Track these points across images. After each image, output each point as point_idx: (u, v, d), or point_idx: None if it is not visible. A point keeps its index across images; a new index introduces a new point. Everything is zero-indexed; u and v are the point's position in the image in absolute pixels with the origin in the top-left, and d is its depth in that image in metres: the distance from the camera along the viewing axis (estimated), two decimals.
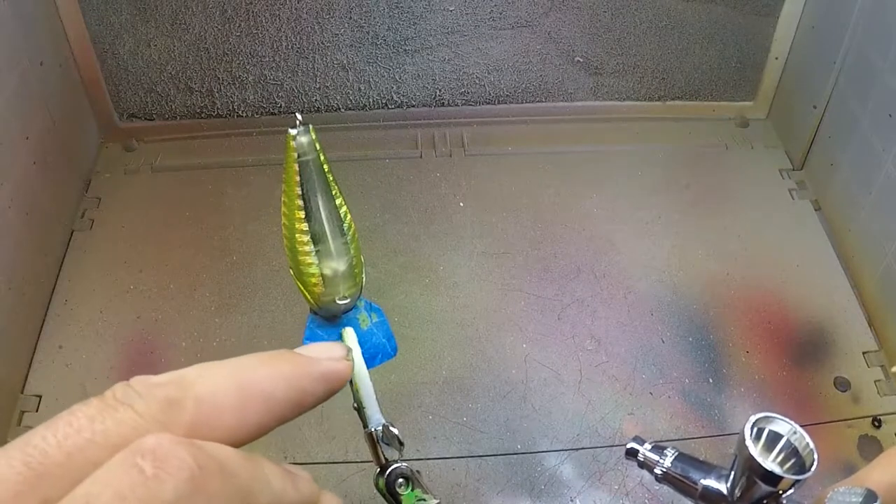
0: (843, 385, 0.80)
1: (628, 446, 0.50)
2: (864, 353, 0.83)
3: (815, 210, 0.97)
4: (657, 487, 0.68)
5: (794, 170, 1.03)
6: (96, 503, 0.17)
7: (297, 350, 0.26)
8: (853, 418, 0.77)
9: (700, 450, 0.74)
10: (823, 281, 0.89)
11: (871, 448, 0.75)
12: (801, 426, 0.40)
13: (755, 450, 0.39)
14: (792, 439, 0.40)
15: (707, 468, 0.46)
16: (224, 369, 0.23)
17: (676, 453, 0.48)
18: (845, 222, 0.93)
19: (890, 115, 0.82)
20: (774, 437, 0.40)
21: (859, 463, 0.74)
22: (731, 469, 0.43)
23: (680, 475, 0.47)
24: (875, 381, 0.80)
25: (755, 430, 0.40)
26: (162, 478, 0.18)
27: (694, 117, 1.09)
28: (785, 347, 0.83)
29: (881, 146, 0.84)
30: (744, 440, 0.40)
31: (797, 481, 0.39)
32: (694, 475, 0.47)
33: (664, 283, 0.88)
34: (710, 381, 0.80)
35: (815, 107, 0.97)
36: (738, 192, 0.99)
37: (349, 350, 0.26)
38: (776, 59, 1.04)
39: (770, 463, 0.39)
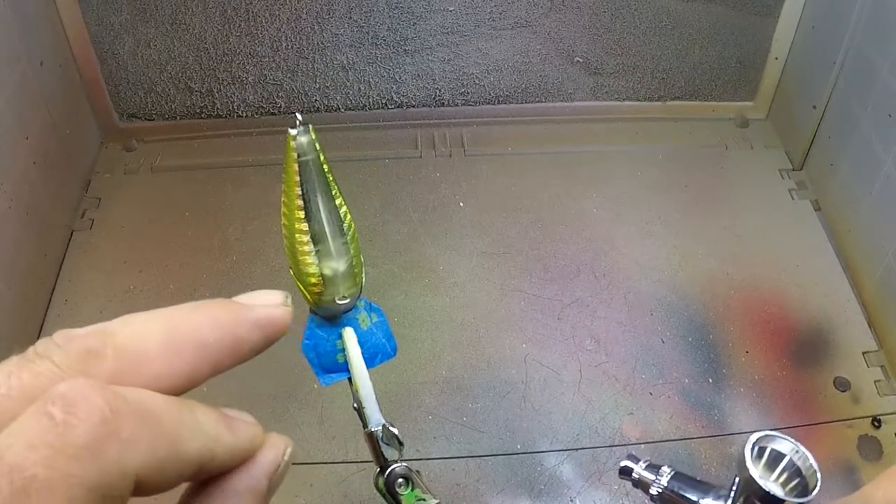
0: (842, 385, 0.80)
1: (622, 464, 0.48)
2: (864, 353, 0.82)
3: (815, 210, 0.97)
4: None
5: (794, 170, 1.03)
6: (7, 454, 0.17)
7: (235, 298, 0.25)
8: (853, 418, 0.77)
9: (700, 450, 0.74)
10: (823, 281, 0.89)
11: (871, 448, 0.75)
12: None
13: (755, 471, 0.38)
14: (794, 459, 0.38)
15: (705, 488, 0.45)
16: (152, 316, 0.22)
17: (673, 472, 0.46)
18: (845, 222, 0.93)
19: (890, 115, 0.82)
20: (777, 457, 0.39)
21: (859, 463, 0.74)
22: (731, 489, 0.42)
23: (677, 495, 0.46)
24: (875, 381, 0.80)
25: (756, 449, 0.39)
26: (72, 423, 0.18)
27: (694, 117, 1.09)
28: (785, 347, 0.83)
29: (881, 146, 0.84)
30: (744, 460, 0.38)
31: None
32: (692, 495, 0.44)
33: (664, 283, 0.88)
34: (710, 381, 0.80)
35: (814, 107, 0.97)
36: (738, 192, 0.99)
37: (287, 296, 0.25)
38: (776, 59, 1.04)
39: (771, 484, 0.38)
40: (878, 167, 0.85)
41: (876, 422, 0.77)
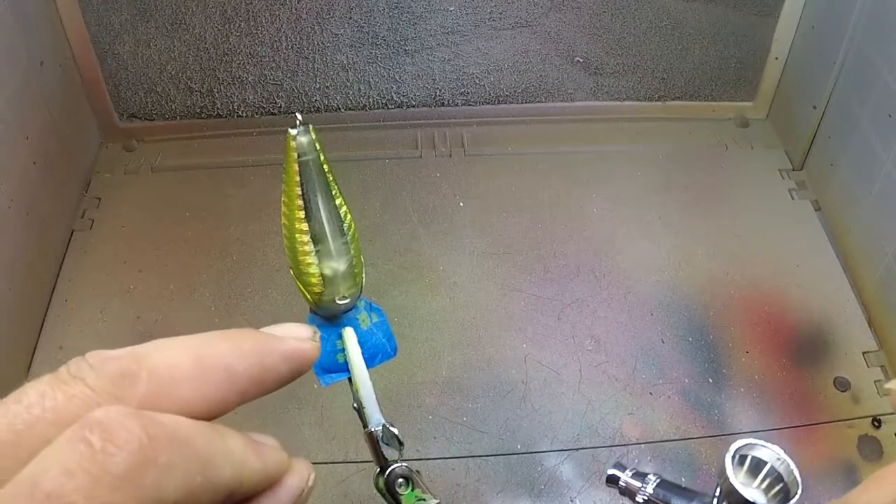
0: (842, 385, 0.80)
1: (609, 473, 0.49)
2: (864, 353, 0.82)
3: (815, 210, 0.97)
4: None
5: (794, 170, 1.03)
6: (44, 480, 0.17)
7: (264, 329, 0.25)
8: (853, 418, 0.77)
9: (700, 450, 0.74)
10: (823, 281, 0.89)
11: (870, 448, 0.75)
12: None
13: (735, 479, 0.39)
14: (776, 466, 0.39)
15: (690, 495, 0.46)
16: (183, 342, 0.22)
17: (659, 480, 0.47)
18: (845, 222, 0.93)
19: (890, 115, 0.82)
20: (758, 464, 0.40)
21: (859, 463, 0.74)
22: (714, 496, 0.43)
23: (662, 502, 0.46)
24: (875, 381, 0.80)
25: (737, 456, 0.39)
26: (110, 450, 0.17)
27: (694, 117, 1.09)
28: (785, 347, 0.83)
29: (881, 146, 0.84)
30: (724, 468, 0.39)
31: None
32: (677, 502, 0.46)
33: (664, 283, 0.88)
34: (710, 381, 0.80)
35: (814, 107, 0.97)
36: (738, 192, 0.99)
37: (315, 332, 0.26)
38: (776, 59, 1.04)
39: (752, 491, 0.39)
40: (878, 167, 0.85)
41: (876, 422, 0.77)
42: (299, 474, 0.23)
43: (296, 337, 0.25)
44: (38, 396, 0.19)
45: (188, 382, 0.21)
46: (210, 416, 0.22)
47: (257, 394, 0.23)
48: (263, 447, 0.22)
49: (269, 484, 0.22)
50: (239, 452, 0.21)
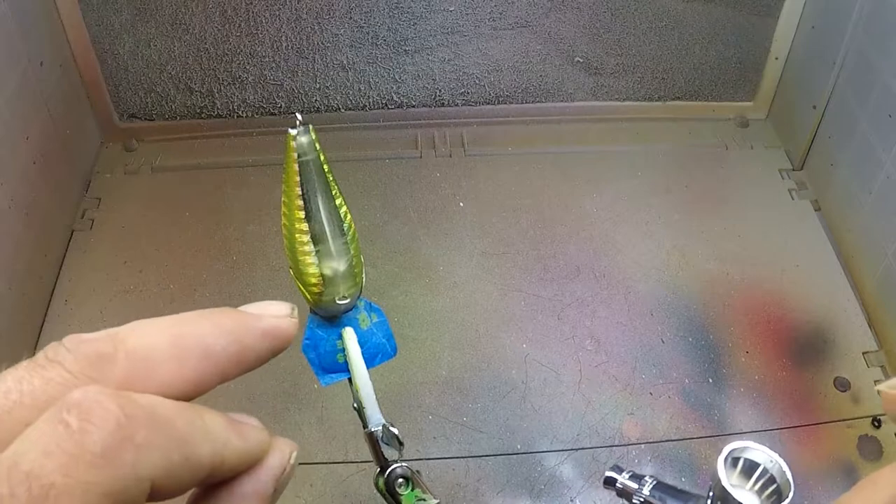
0: (842, 385, 0.80)
1: (606, 474, 0.50)
2: (864, 353, 0.83)
3: (815, 210, 0.97)
4: None
5: (794, 170, 1.03)
6: (23, 462, 0.17)
7: (242, 307, 0.25)
8: (853, 418, 0.77)
9: (700, 450, 0.74)
10: (823, 281, 0.89)
11: (871, 448, 0.75)
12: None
13: (727, 481, 0.39)
14: (769, 468, 0.40)
15: (685, 497, 0.46)
16: (160, 323, 0.22)
17: (655, 482, 0.48)
18: (845, 222, 0.93)
19: (890, 115, 0.82)
20: (751, 466, 0.40)
21: (859, 463, 0.74)
22: (707, 498, 0.43)
23: None
24: (875, 381, 0.80)
25: (730, 459, 0.40)
26: (88, 430, 0.18)
27: (694, 117, 1.09)
28: (785, 347, 0.83)
29: (881, 146, 0.84)
30: (717, 471, 0.40)
31: None
32: None
33: (664, 283, 0.88)
34: (710, 381, 0.80)
35: (814, 107, 0.97)
36: (738, 192, 0.99)
37: (294, 308, 0.26)
38: (776, 59, 1.04)
39: (744, 493, 0.39)
40: (878, 167, 0.85)
41: (876, 422, 0.77)
42: (280, 453, 0.23)
43: (274, 314, 0.24)
44: (15, 382, 0.20)
45: (166, 363, 0.21)
46: (189, 395, 0.22)
47: (237, 372, 0.23)
48: (244, 426, 0.22)
49: (251, 463, 0.22)
50: (218, 432, 0.21)
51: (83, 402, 0.18)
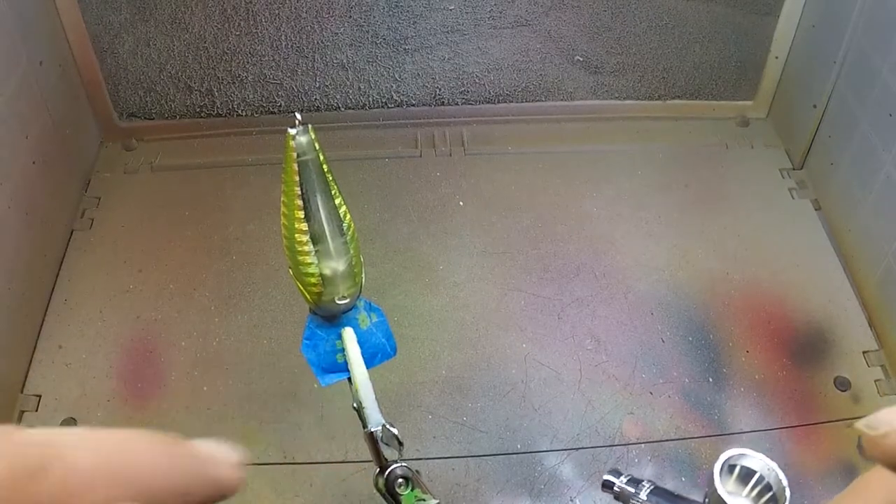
0: (843, 385, 0.80)
1: (604, 478, 0.50)
2: (864, 352, 0.82)
3: (815, 210, 0.97)
4: None
5: (794, 169, 1.02)
6: None
7: (195, 442, 0.23)
8: (853, 418, 0.77)
9: (700, 450, 0.74)
10: (823, 281, 0.89)
11: None
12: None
13: (723, 489, 0.39)
14: (765, 474, 0.40)
15: (682, 502, 0.47)
16: (107, 442, 0.21)
17: (652, 486, 0.48)
18: (845, 222, 0.93)
19: (890, 115, 0.82)
20: (748, 473, 0.40)
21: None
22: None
23: None
24: (875, 381, 0.80)
25: (726, 466, 0.40)
26: None
27: (694, 117, 1.08)
28: (785, 347, 0.83)
29: (881, 146, 0.84)
30: (712, 478, 0.40)
31: None
32: None
33: (664, 282, 0.88)
34: (710, 380, 0.80)
35: (814, 106, 0.97)
36: (738, 192, 0.99)
37: (241, 455, 0.25)
38: (776, 58, 1.04)
39: (740, 500, 0.39)
40: (878, 167, 0.85)
41: None
42: None
43: (227, 462, 0.23)
44: None
45: (100, 491, 0.20)
46: None
47: None
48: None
49: None
50: None
51: None
